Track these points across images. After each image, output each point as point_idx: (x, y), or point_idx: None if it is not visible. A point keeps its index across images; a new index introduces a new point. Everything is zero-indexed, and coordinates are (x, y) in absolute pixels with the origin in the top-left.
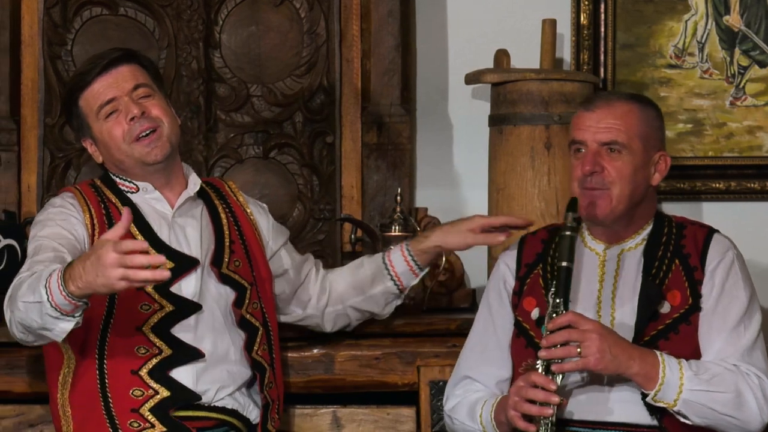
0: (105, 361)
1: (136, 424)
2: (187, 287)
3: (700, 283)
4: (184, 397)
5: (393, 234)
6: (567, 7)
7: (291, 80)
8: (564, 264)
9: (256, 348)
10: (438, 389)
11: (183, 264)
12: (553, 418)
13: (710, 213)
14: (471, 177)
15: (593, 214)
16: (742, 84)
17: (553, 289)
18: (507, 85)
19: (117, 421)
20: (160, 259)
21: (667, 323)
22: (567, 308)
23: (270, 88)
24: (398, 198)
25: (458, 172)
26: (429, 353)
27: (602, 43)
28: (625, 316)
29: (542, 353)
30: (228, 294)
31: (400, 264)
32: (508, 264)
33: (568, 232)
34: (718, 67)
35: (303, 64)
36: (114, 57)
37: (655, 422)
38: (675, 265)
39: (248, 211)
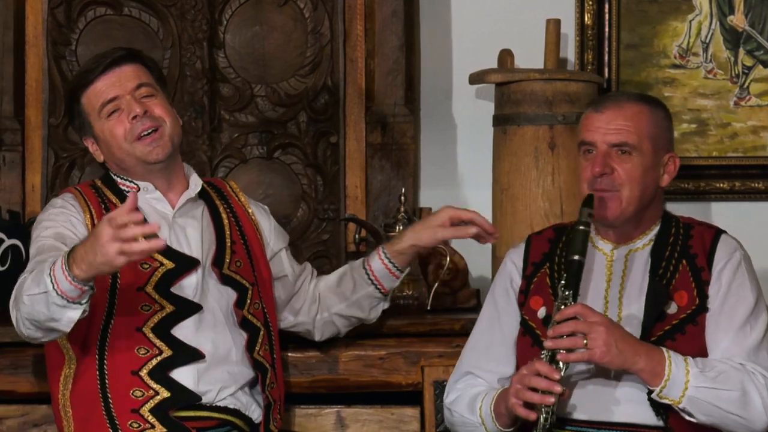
0: (105, 361)
1: (136, 425)
2: (187, 288)
3: (707, 284)
4: (184, 397)
5: (397, 234)
6: (571, 7)
7: (295, 80)
8: (576, 257)
9: (257, 348)
10: (442, 389)
11: (183, 264)
12: (554, 408)
13: (714, 213)
14: (475, 177)
15: (603, 216)
16: (746, 84)
17: (563, 282)
18: (511, 85)
19: (117, 422)
20: (153, 227)
21: (674, 324)
22: (576, 301)
23: (274, 88)
24: (402, 198)
25: (462, 172)
26: (433, 353)
27: (606, 43)
28: (632, 316)
29: (548, 343)
30: (229, 294)
31: (379, 268)
32: (515, 262)
33: (581, 227)
34: (723, 67)
35: (307, 64)
36: (117, 56)
37: (660, 422)
38: (682, 265)
39: (249, 211)
